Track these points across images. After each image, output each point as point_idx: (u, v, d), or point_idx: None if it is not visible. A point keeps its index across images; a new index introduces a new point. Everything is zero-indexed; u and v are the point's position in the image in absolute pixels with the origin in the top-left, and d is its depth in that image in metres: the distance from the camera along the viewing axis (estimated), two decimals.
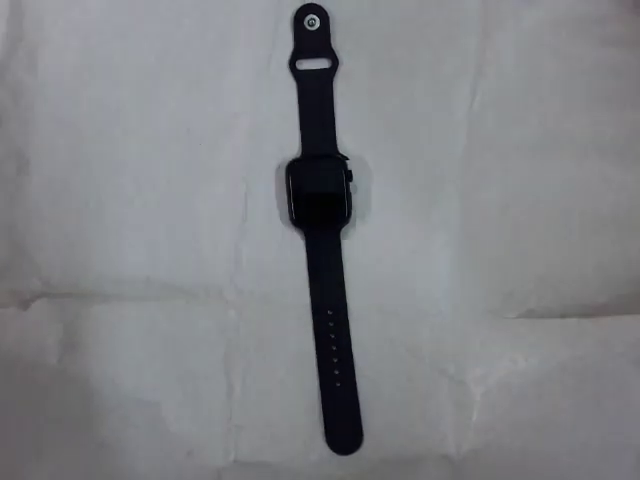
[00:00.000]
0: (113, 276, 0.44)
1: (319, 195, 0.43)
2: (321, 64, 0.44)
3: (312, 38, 0.43)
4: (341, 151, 0.43)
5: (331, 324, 0.43)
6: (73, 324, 0.43)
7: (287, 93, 0.44)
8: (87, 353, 0.43)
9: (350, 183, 0.43)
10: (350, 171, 0.43)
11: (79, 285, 0.44)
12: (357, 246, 0.43)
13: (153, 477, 0.43)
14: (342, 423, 0.43)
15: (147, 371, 0.43)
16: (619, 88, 0.43)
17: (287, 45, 0.44)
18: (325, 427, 0.43)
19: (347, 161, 0.43)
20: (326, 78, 0.43)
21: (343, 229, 0.43)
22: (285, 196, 0.43)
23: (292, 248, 0.44)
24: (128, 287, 0.44)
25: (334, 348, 0.43)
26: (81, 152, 0.44)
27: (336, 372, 0.43)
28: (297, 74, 0.44)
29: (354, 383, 0.43)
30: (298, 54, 0.43)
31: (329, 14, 0.43)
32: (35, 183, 0.44)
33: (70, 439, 0.43)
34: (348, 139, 0.44)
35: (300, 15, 0.43)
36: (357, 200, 0.43)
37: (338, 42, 0.43)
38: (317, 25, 0.43)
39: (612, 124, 0.43)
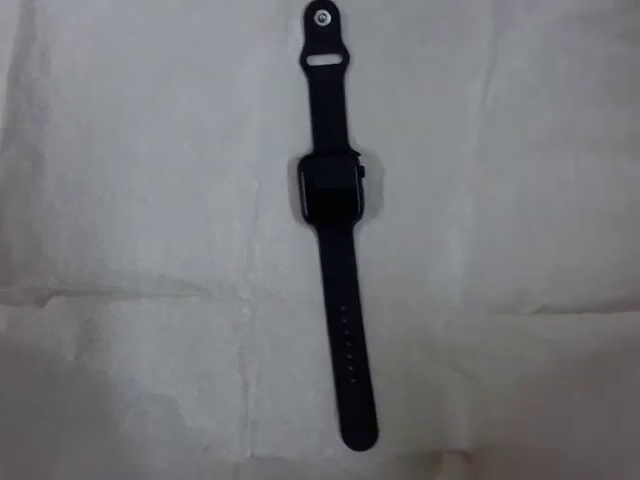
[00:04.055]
0: (128, 273, 0.44)
1: (331, 191, 0.43)
2: (332, 60, 0.43)
3: (323, 34, 0.43)
4: (353, 147, 0.43)
5: (345, 320, 0.43)
6: (89, 321, 0.43)
7: (298, 89, 0.43)
8: (104, 350, 0.43)
9: (362, 179, 0.42)
10: (362, 167, 0.42)
11: (95, 282, 0.44)
12: (370, 242, 0.43)
13: (170, 472, 0.43)
14: (357, 419, 0.43)
15: (163, 367, 0.43)
16: (633, 83, 0.42)
17: (298, 41, 0.43)
18: (340, 423, 0.43)
19: (359, 157, 0.43)
20: (337, 74, 0.43)
21: (356, 225, 0.43)
22: (297, 193, 0.43)
23: (305, 245, 0.43)
24: (143, 284, 0.44)
25: (348, 344, 0.43)
26: (95, 150, 0.44)
27: (350, 368, 0.43)
28: (308, 70, 0.43)
29: (369, 379, 0.43)
30: (309, 50, 0.43)
31: (340, 9, 0.43)
32: (50, 181, 0.44)
33: (88, 435, 0.43)
34: (360, 135, 0.43)
35: (311, 11, 0.43)
36: (370, 196, 0.43)
37: (349, 37, 0.43)
38: (328, 20, 0.43)
39: (626, 119, 0.42)
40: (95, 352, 0.43)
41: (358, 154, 0.43)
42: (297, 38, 0.43)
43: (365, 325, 0.43)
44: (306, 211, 0.43)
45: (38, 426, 0.43)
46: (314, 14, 0.43)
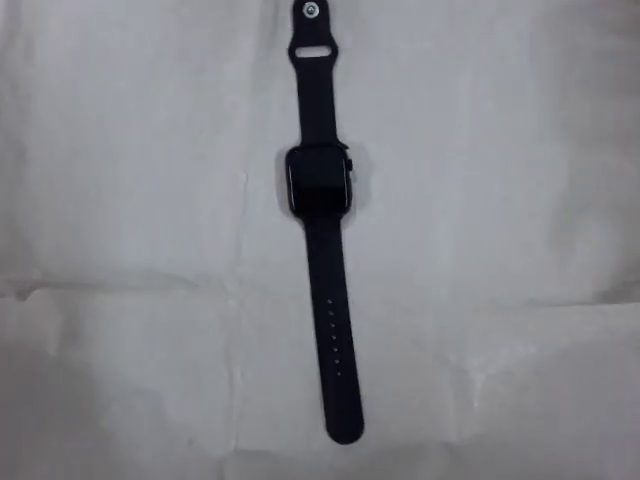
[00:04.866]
0: (114, 266, 0.43)
1: (319, 184, 0.43)
2: (321, 52, 0.43)
3: (311, 26, 0.43)
4: (341, 140, 0.43)
5: (331, 313, 0.43)
6: (74, 314, 0.43)
7: (286, 81, 0.43)
8: (88, 343, 0.43)
9: (350, 172, 0.42)
10: (350, 160, 0.42)
11: (79, 275, 0.43)
12: (357, 235, 0.43)
13: (155, 466, 0.43)
14: (343, 412, 0.43)
15: (148, 361, 0.43)
16: (620, 75, 0.43)
17: (286, 33, 0.43)
18: (326, 416, 0.43)
19: (347, 150, 0.43)
20: (326, 66, 0.43)
21: (343, 218, 0.43)
22: (285, 185, 0.43)
23: (292, 238, 0.43)
24: (129, 277, 0.43)
25: (334, 337, 0.43)
26: (80, 142, 0.44)
27: (337, 361, 0.43)
28: (296, 62, 0.43)
29: (355, 372, 0.43)
30: (297, 42, 0.43)
31: (328, 2, 0.43)
32: (34, 172, 0.44)
33: (71, 429, 0.43)
34: (348, 128, 0.43)
35: (299, 3, 0.43)
36: (357, 189, 0.43)
37: (338, 30, 0.43)
38: (316, 13, 0.43)
39: (613, 112, 0.42)
40: (78, 346, 0.43)
41: (346, 147, 0.43)
42: (286, 30, 0.43)
43: (352, 318, 0.43)
44: (293, 204, 0.43)
45: (18, 419, 0.43)
46: (303, 6, 0.43)
